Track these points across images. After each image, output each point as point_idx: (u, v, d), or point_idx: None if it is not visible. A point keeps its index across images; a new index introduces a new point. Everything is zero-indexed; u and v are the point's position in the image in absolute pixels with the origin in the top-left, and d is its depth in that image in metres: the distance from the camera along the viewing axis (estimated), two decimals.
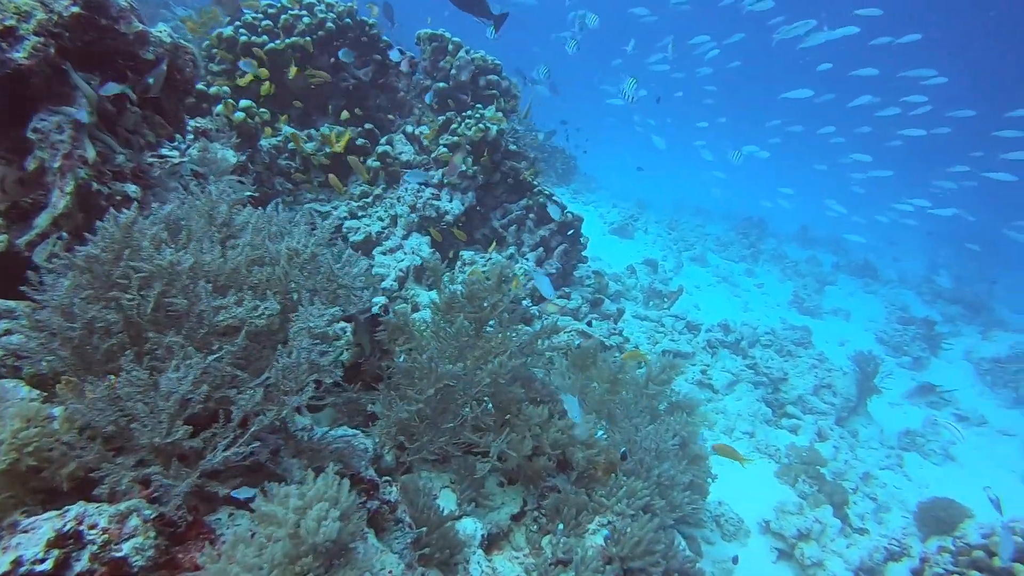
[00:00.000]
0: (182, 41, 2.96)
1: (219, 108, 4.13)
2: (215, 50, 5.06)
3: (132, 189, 2.65)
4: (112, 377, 1.57)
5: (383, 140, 5.34)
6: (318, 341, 1.87)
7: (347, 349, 3.05)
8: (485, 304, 2.98)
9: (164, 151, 3.60)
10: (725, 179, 14.60)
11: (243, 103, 4.19)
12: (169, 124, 3.06)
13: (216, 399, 1.68)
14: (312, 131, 5.06)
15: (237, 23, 5.18)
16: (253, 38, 5.09)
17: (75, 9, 2.41)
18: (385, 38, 5.88)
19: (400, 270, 4.36)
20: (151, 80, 2.67)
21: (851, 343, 9.45)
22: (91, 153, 2.50)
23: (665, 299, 7.94)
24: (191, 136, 3.84)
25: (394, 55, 5.26)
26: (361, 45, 5.73)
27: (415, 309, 4.11)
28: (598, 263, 9.07)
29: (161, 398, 1.56)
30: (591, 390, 3.75)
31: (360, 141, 5.22)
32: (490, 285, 2.99)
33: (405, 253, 4.56)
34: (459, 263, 4.67)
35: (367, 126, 5.35)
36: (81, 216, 2.52)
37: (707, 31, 11.65)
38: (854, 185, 14.87)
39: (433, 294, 4.16)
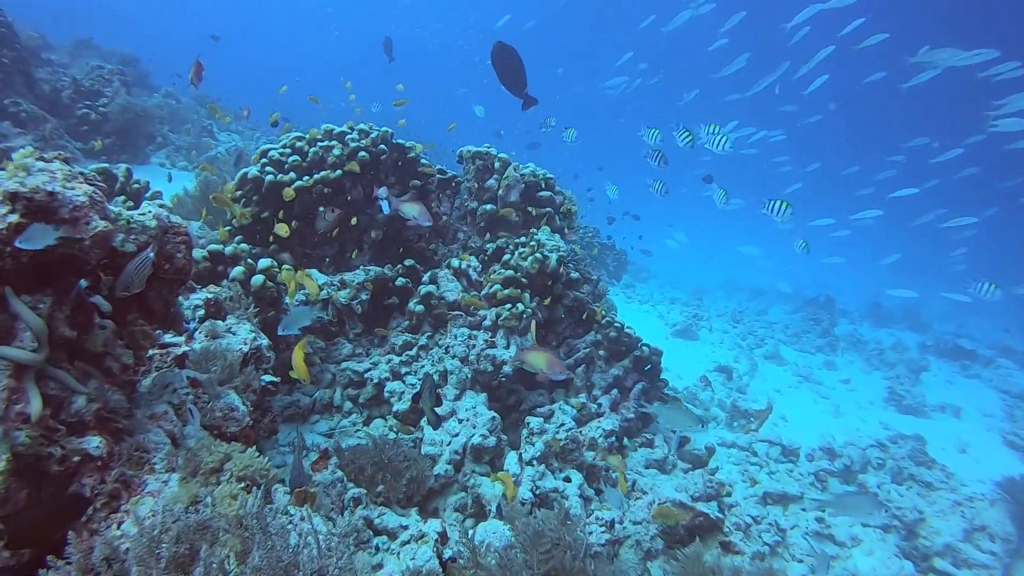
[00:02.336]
0: (173, 219, 2.33)
1: (235, 272, 3.51)
2: (239, 192, 4.57)
3: (94, 444, 1.92)
4: None
5: (426, 278, 4.65)
6: None
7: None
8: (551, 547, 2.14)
9: (167, 338, 2.94)
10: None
11: (262, 263, 3.56)
12: (158, 325, 2.39)
13: None
14: (345, 276, 4.42)
15: (263, 160, 4.70)
16: (280, 176, 4.58)
17: (13, 219, 1.77)
18: (425, 160, 5.33)
19: (455, 451, 3.52)
20: (123, 282, 2.02)
21: (974, 448, 8.04)
22: (35, 407, 1.79)
23: (752, 418, 6.87)
24: (201, 312, 3.20)
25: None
26: (398, 170, 5.19)
27: (479, 509, 3.23)
28: (667, 374, 8.07)
29: None
30: None
31: (400, 281, 4.55)
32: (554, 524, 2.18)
33: (460, 422, 3.73)
34: (525, 432, 3.81)
35: (408, 262, 4.70)
36: (24, 494, 1.80)
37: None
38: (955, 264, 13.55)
39: (498, 487, 3.29)
